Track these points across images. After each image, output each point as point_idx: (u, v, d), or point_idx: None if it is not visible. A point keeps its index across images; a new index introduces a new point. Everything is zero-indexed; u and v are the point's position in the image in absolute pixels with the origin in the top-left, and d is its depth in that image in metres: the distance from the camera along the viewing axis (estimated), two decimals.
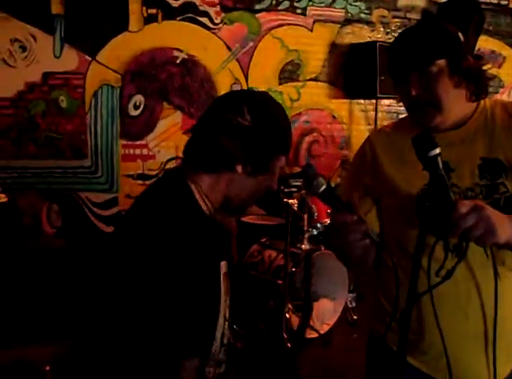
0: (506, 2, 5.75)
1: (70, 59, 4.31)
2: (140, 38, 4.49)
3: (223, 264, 1.46)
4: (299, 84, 5.11)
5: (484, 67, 1.51)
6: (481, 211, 1.21)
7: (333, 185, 4.45)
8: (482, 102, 1.54)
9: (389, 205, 1.56)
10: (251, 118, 1.37)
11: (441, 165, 1.26)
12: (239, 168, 1.39)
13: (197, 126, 1.45)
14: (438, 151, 1.26)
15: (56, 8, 4.21)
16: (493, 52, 5.76)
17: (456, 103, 1.47)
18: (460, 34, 1.47)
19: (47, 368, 2.56)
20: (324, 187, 1.31)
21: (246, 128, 1.37)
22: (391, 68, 1.54)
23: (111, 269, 1.36)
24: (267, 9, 4.89)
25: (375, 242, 1.33)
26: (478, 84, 1.48)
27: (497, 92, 5.88)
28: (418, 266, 1.37)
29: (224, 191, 1.43)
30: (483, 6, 5.24)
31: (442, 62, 1.43)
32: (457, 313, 1.44)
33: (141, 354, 1.31)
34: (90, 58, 4.35)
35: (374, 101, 5.07)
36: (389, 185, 1.55)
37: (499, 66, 5.84)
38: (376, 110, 5.06)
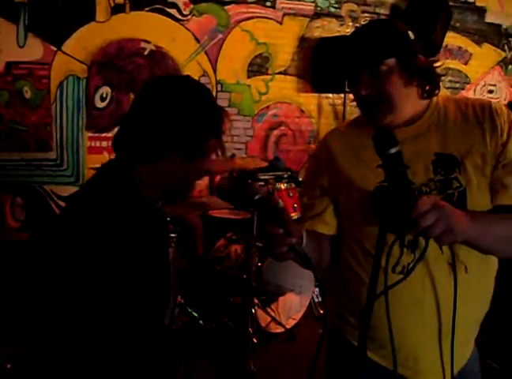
0: (472, 0, 5.82)
1: (35, 49, 4.21)
2: (107, 28, 4.42)
3: (170, 250, 1.47)
4: (268, 77, 5.11)
5: (437, 64, 1.52)
6: (441, 210, 1.21)
7: (300, 179, 4.47)
8: (434, 99, 1.54)
9: (346, 203, 1.58)
10: (177, 103, 1.38)
11: (401, 162, 1.26)
12: (173, 155, 1.40)
13: (126, 118, 1.44)
14: (398, 148, 1.26)
15: None
16: (460, 48, 5.83)
17: (407, 101, 1.48)
18: (410, 33, 1.47)
19: (8, 366, 2.52)
20: (259, 196, 1.31)
21: (173, 114, 1.37)
22: (343, 68, 1.55)
23: (56, 261, 1.32)
24: (236, 2, 4.86)
25: (300, 256, 1.32)
26: (429, 81, 1.49)
27: (463, 89, 5.96)
28: (378, 265, 1.38)
29: (163, 179, 1.43)
30: (450, 3, 5.31)
31: (391, 61, 1.43)
32: (412, 308, 1.46)
33: (88, 344, 1.30)
34: (55, 48, 4.27)
35: (342, 95, 5.11)
36: (345, 183, 1.56)
37: (466, 63, 5.92)
38: (344, 104, 5.10)
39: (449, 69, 5.72)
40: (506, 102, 5.92)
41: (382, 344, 1.49)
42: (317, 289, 4.11)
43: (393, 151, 1.26)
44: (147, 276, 1.31)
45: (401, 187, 1.26)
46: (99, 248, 1.27)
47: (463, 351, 1.53)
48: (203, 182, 4.61)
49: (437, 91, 1.53)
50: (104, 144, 4.53)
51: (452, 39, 5.66)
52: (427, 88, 1.49)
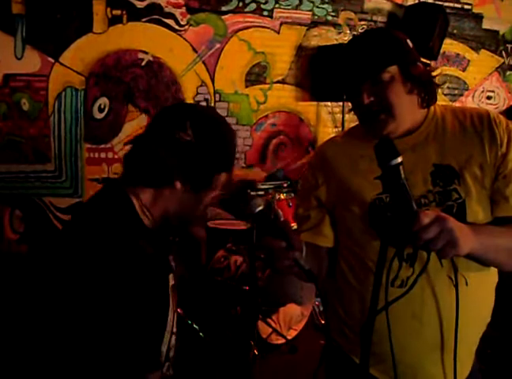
0: (469, 7, 5.83)
1: (32, 61, 4.22)
2: (104, 39, 4.42)
3: (170, 276, 1.44)
4: (266, 86, 5.10)
5: (435, 73, 1.51)
6: (444, 222, 1.19)
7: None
8: (432, 108, 1.53)
9: (343, 215, 1.56)
10: (193, 133, 1.34)
11: (403, 174, 1.24)
12: (178, 184, 1.36)
13: (139, 138, 1.41)
14: (400, 159, 1.24)
15: (17, 8, 4.12)
16: (458, 55, 5.83)
17: (409, 110, 1.47)
18: (408, 41, 1.47)
19: None
20: (260, 208, 1.29)
21: (187, 143, 1.34)
22: (342, 78, 1.52)
23: (52, 287, 1.29)
24: (233, 11, 4.86)
25: (304, 270, 1.29)
26: (428, 90, 1.48)
27: (462, 95, 5.95)
28: (379, 281, 1.37)
29: (163, 207, 1.38)
30: (447, 10, 5.34)
31: (393, 69, 1.42)
32: (411, 322, 1.44)
33: (84, 371, 1.27)
34: (53, 60, 4.27)
35: (341, 103, 5.10)
36: (341, 194, 1.55)
37: (464, 69, 5.91)
38: (343, 112, 5.09)
39: (448, 75, 5.71)
40: (504, 107, 5.93)
41: (381, 358, 1.47)
42: (318, 299, 4.08)
43: (394, 162, 1.24)
44: (142, 307, 1.27)
45: (403, 199, 1.24)
46: (94, 278, 1.22)
47: (465, 364, 1.51)
48: None
49: (434, 100, 1.52)
50: (103, 155, 4.52)
51: (449, 46, 5.64)
52: (426, 97, 1.48)
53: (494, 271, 1.50)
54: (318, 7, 5.22)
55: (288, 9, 5.11)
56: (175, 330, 1.46)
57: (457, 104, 5.73)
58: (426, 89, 1.47)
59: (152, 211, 1.37)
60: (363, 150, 1.49)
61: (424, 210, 1.32)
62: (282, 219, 1.34)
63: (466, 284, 1.42)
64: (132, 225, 1.33)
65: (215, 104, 4.83)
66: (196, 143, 1.34)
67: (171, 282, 1.43)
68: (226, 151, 1.42)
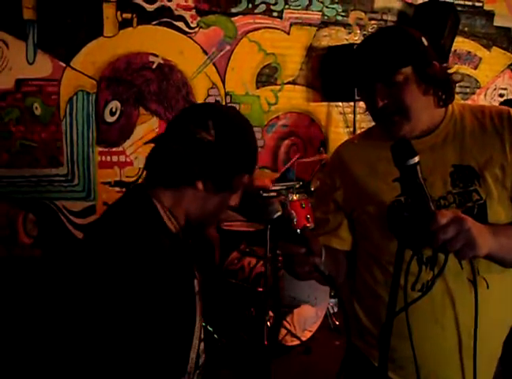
0: (480, 4, 5.79)
1: (44, 65, 4.23)
2: (115, 43, 4.43)
3: (195, 282, 1.42)
4: (277, 87, 5.09)
5: (451, 71, 1.48)
6: (462, 222, 1.16)
7: (312, 189, 4.43)
8: (450, 107, 1.50)
9: (361, 218, 1.53)
10: (216, 133, 1.31)
11: (420, 174, 1.21)
12: (200, 184, 1.33)
13: (160, 138, 1.38)
14: (417, 159, 1.21)
15: (28, 13, 4.13)
16: (469, 53, 5.79)
17: (425, 111, 1.43)
18: (424, 39, 1.43)
19: None
20: (278, 214, 1.27)
21: (208, 143, 1.31)
22: (355, 78, 1.50)
23: (78, 296, 1.28)
24: (243, 13, 4.86)
25: (324, 276, 1.27)
26: (445, 89, 1.45)
27: (474, 93, 5.91)
28: (397, 284, 1.34)
29: (185, 208, 1.36)
30: (458, 8, 5.31)
31: (407, 70, 1.39)
32: (432, 326, 1.42)
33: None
34: (64, 65, 4.28)
35: (352, 104, 5.09)
36: (360, 197, 1.52)
37: (475, 67, 5.88)
38: (354, 112, 5.07)
39: (459, 73, 5.68)
40: None
41: (402, 364, 1.45)
42: (332, 300, 4.06)
43: (411, 162, 1.21)
44: (171, 312, 1.25)
45: (420, 199, 1.21)
46: (121, 284, 1.20)
47: (487, 369, 1.48)
48: None
49: (452, 99, 1.49)
50: (115, 158, 4.53)
51: (461, 44, 5.61)
52: (443, 96, 1.45)
53: None
54: (327, 7, 5.21)
55: (298, 10, 5.10)
56: (202, 337, 1.44)
57: (469, 103, 5.70)
58: (443, 88, 1.44)
59: (175, 214, 1.35)
60: (381, 152, 1.46)
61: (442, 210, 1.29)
62: (295, 220, 1.32)
63: (487, 287, 1.39)
64: (158, 231, 1.30)
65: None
66: (218, 143, 1.31)
67: (196, 288, 1.41)
68: (248, 152, 1.40)
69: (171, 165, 1.32)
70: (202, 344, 1.45)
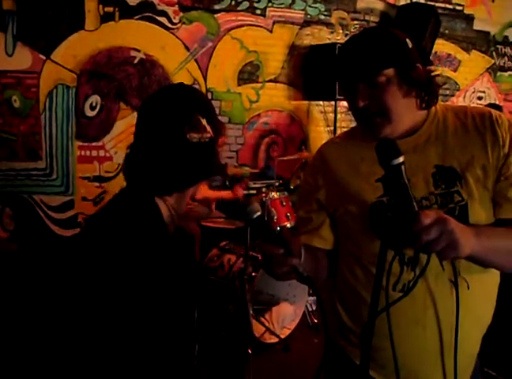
0: (461, 8, 5.86)
1: (23, 58, 4.18)
2: (96, 37, 4.39)
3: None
4: (259, 85, 5.10)
5: (434, 73, 1.47)
6: (445, 223, 1.16)
7: (292, 187, 4.45)
8: (433, 108, 1.49)
9: (344, 217, 1.53)
10: (211, 127, 1.28)
11: (405, 174, 1.20)
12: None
13: (143, 142, 1.29)
14: (402, 159, 1.20)
15: (7, 4, 4.08)
16: (449, 55, 5.86)
17: (406, 113, 1.43)
18: (408, 41, 1.41)
19: None
20: (258, 214, 1.25)
21: (209, 141, 1.28)
22: (338, 77, 1.49)
23: (75, 290, 1.23)
24: (226, 10, 4.85)
25: (302, 277, 1.26)
26: (428, 91, 1.44)
27: (453, 95, 5.99)
28: (379, 284, 1.35)
29: (182, 208, 1.36)
30: (439, 11, 5.36)
31: (390, 72, 1.37)
32: (414, 326, 1.42)
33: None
34: (44, 57, 4.24)
35: (333, 103, 5.10)
36: (342, 197, 1.51)
37: (455, 70, 5.94)
38: (335, 111, 5.08)
39: (443, 76, 5.75)
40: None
41: (383, 363, 1.45)
42: (311, 298, 4.08)
43: (396, 162, 1.20)
44: (172, 308, 1.25)
45: (404, 199, 1.20)
46: (119, 281, 1.18)
47: (467, 368, 1.50)
48: None
49: (436, 101, 1.49)
50: (94, 153, 4.49)
51: (441, 47, 5.67)
52: (426, 98, 1.44)
53: (496, 272, 1.48)
54: (310, 6, 5.23)
55: (281, 8, 5.11)
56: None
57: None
58: (426, 91, 1.44)
59: (178, 210, 1.34)
60: (364, 152, 1.46)
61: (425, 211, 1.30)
62: (276, 218, 1.32)
63: (468, 288, 1.40)
64: (157, 231, 1.28)
65: None
66: (215, 135, 1.29)
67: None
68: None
69: (172, 176, 1.28)
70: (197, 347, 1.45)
